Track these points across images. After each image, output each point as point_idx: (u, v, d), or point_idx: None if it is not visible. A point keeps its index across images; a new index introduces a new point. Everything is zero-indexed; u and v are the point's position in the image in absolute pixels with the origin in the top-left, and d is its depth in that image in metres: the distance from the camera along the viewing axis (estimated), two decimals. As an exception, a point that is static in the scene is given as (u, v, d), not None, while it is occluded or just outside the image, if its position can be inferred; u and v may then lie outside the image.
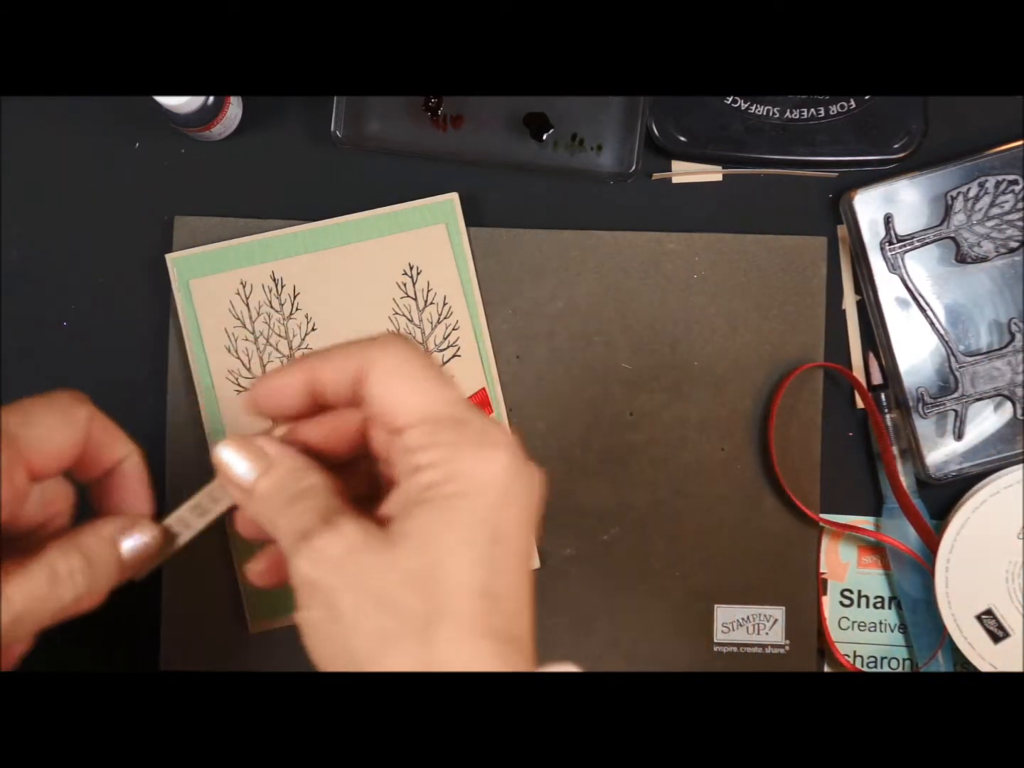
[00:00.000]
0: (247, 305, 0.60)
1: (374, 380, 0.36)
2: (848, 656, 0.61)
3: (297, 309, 0.60)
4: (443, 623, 0.34)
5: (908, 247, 0.59)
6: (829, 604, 0.61)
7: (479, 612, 0.35)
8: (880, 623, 0.62)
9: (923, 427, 0.60)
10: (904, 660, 0.62)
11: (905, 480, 0.60)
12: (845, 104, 0.60)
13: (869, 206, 0.59)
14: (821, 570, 0.61)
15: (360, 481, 0.40)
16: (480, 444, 0.35)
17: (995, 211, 0.59)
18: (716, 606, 0.60)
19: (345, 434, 0.40)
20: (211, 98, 0.56)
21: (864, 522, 0.61)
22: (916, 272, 0.60)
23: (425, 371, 0.37)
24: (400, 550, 0.34)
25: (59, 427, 0.40)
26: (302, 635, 0.37)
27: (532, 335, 0.61)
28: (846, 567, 0.61)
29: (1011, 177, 0.59)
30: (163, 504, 0.60)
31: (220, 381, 0.60)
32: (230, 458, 0.39)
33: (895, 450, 0.59)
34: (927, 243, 0.59)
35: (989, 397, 0.60)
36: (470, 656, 0.34)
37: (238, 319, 0.60)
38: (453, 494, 0.35)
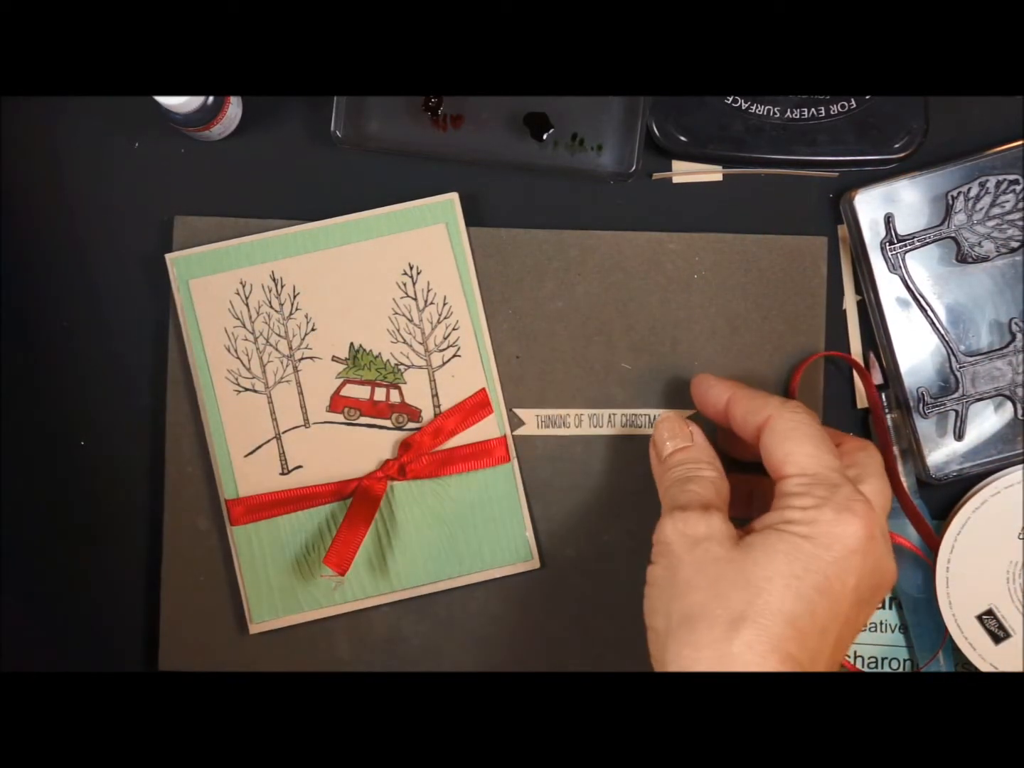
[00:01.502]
0: (247, 305, 0.60)
1: (772, 431, 0.45)
2: (848, 656, 0.61)
3: (297, 309, 0.60)
4: (748, 628, 0.40)
5: (909, 247, 0.59)
6: (829, 604, 0.61)
7: (780, 634, 0.40)
8: (880, 623, 0.61)
9: (924, 427, 0.60)
10: (904, 660, 0.62)
11: (906, 480, 0.59)
12: (845, 104, 0.60)
13: (869, 206, 0.59)
14: (821, 570, 0.61)
15: (742, 491, 0.49)
16: (844, 508, 0.41)
17: (996, 211, 0.59)
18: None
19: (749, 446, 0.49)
20: (211, 98, 0.56)
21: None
22: (917, 272, 0.60)
23: (815, 438, 0.44)
24: (743, 556, 0.41)
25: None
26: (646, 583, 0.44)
27: (532, 335, 0.61)
28: (846, 567, 0.61)
29: (1012, 177, 0.59)
30: (161, 504, 0.61)
31: (220, 381, 0.60)
32: (664, 427, 0.50)
33: (896, 450, 0.59)
34: (928, 243, 0.59)
35: (990, 397, 0.59)
36: (756, 664, 0.39)
37: (238, 319, 0.60)
38: (804, 535, 0.41)
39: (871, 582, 0.43)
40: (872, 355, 0.61)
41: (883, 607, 0.61)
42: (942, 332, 0.60)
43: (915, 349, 0.60)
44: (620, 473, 0.60)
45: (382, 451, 0.60)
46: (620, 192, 0.61)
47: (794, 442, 0.44)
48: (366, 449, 0.60)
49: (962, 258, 0.59)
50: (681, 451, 0.48)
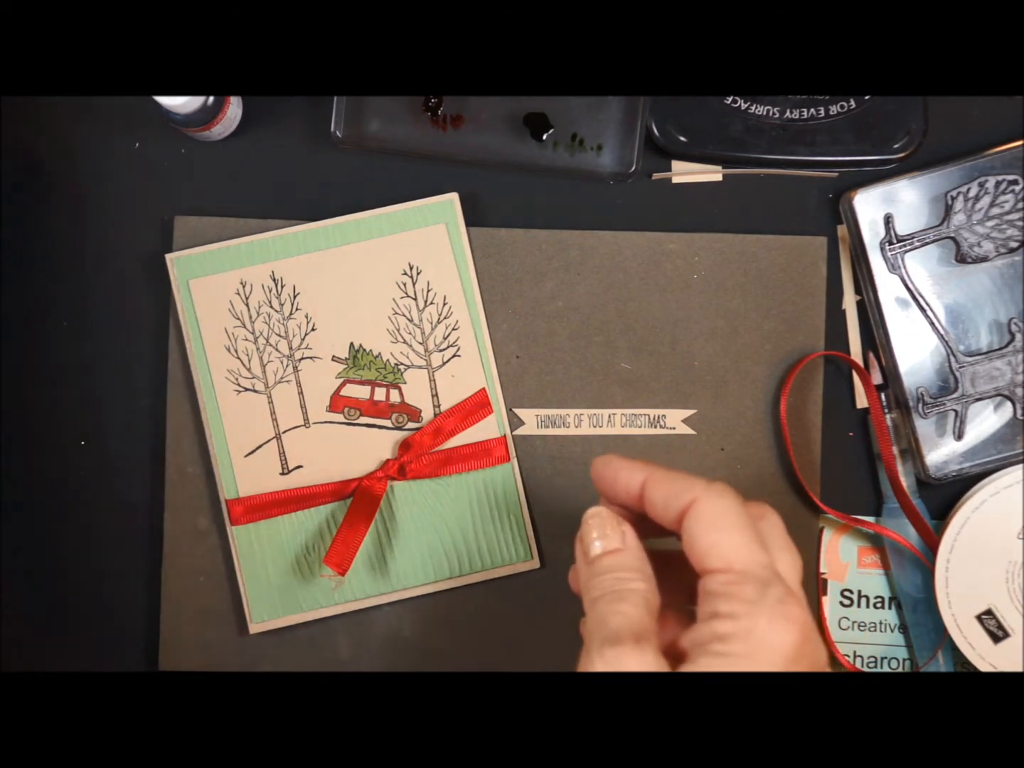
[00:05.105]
0: (247, 305, 0.60)
1: (697, 518, 0.40)
2: (848, 656, 0.61)
3: (297, 309, 0.60)
4: None
5: (908, 247, 0.59)
6: (829, 604, 0.61)
7: None
8: (880, 623, 0.62)
9: (923, 427, 0.60)
10: (904, 660, 0.62)
11: (905, 480, 0.60)
12: (845, 104, 0.60)
13: (869, 206, 0.59)
14: (821, 570, 0.61)
15: (681, 591, 0.43)
16: (777, 614, 0.38)
17: (995, 211, 0.59)
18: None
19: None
20: (211, 98, 0.56)
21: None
22: (916, 272, 0.60)
23: (744, 528, 0.40)
24: None
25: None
26: None
27: (532, 335, 0.61)
28: (846, 567, 0.61)
29: (1011, 177, 0.59)
30: (162, 504, 0.61)
31: (220, 381, 0.60)
32: (593, 524, 0.43)
33: (895, 450, 0.59)
34: (927, 243, 0.59)
35: (989, 397, 0.60)
36: None
37: (238, 319, 0.60)
38: (742, 654, 0.37)
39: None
40: (871, 355, 0.61)
41: (883, 607, 0.62)
42: (942, 332, 0.60)
43: (914, 349, 0.60)
44: (620, 473, 0.60)
45: (382, 451, 0.60)
46: (620, 192, 0.61)
47: (721, 531, 0.39)
48: (366, 449, 0.60)
49: (961, 258, 0.59)
50: (611, 554, 0.42)
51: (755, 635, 0.37)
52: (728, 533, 0.39)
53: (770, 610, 0.37)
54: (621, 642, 0.39)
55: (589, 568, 0.43)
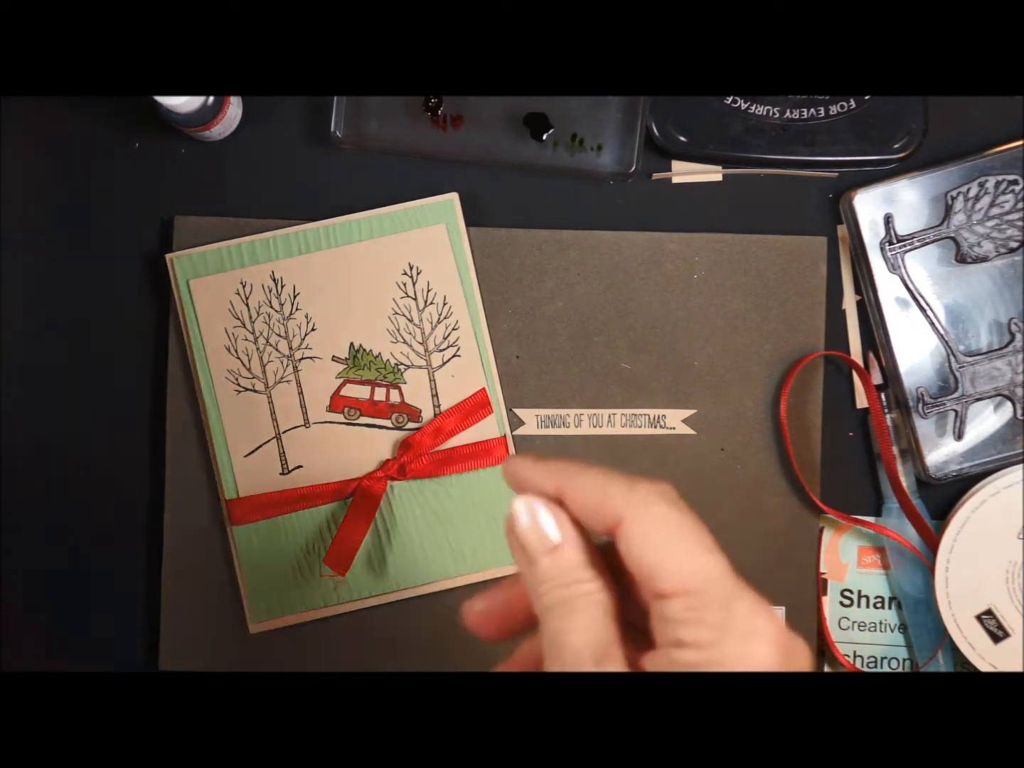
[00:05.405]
0: (247, 305, 0.60)
1: (629, 541, 0.35)
2: (848, 656, 0.61)
3: (297, 309, 0.60)
4: None
5: (908, 247, 0.59)
6: (829, 604, 0.61)
7: None
8: (880, 623, 0.62)
9: (923, 427, 0.60)
10: (904, 660, 0.62)
11: (905, 480, 0.60)
12: (845, 104, 0.60)
13: (869, 206, 0.59)
14: (821, 570, 0.61)
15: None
16: (747, 634, 0.34)
17: (995, 211, 0.59)
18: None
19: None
20: (211, 98, 0.56)
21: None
22: (916, 272, 0.60)
23: (683, 538, 0.35)
24: None
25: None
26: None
27: (532, 335, 0.61)
28: (846, 567, 0.61)
29: (1011, 177, 0.59)
30: (162, 504, 0.61)
31: (220, 381, 0.60)
32: (523, 518, 0.38)
33: (895, 450, 0.59)
34: (927, 243, 0.59)
35: (989, 397, 0.60)
36: None
37: (238, 319, 0.60)
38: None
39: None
40: (871, 355, 0.61)
41: (883, 607, 0.62)
42: (942, 332, 0.60)
43: (914, 349, 0.60)
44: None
45: (382, 451, 0.60)
46: (620, 192, 0.61)
47: (659, 552, 0.35)
48: (366, 449, 0.60)
49: (961, 258, 0.59)
50: (550, 555, 0.37)
51: (726, 660, 0.34)
52: (667, 552, 0.35)
53: (739, 630, 0.34)
54: (580, 665, 0.35)
55: (531, 571, 0.38)
